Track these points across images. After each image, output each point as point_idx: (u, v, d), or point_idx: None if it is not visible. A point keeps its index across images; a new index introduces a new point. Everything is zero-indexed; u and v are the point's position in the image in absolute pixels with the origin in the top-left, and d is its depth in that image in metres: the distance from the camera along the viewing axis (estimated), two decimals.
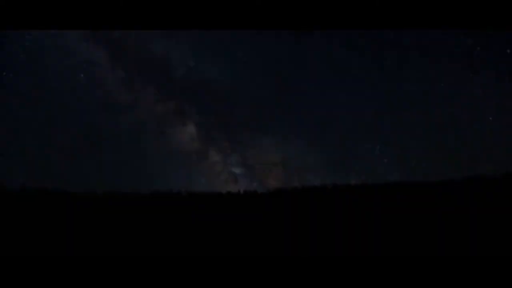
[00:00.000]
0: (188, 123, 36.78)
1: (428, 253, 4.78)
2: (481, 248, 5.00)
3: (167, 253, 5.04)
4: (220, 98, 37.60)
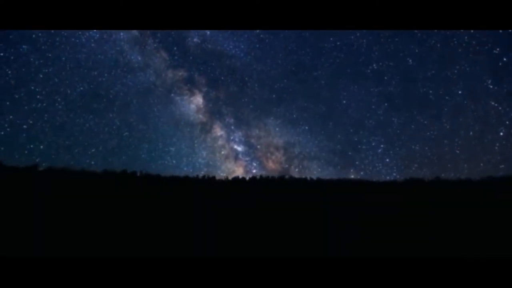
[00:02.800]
0: (196, 94, 35.36)
1: (424, 253, 4.84)
2: (479, 249, 5.04)
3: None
4: (231, 72, 35.74)
